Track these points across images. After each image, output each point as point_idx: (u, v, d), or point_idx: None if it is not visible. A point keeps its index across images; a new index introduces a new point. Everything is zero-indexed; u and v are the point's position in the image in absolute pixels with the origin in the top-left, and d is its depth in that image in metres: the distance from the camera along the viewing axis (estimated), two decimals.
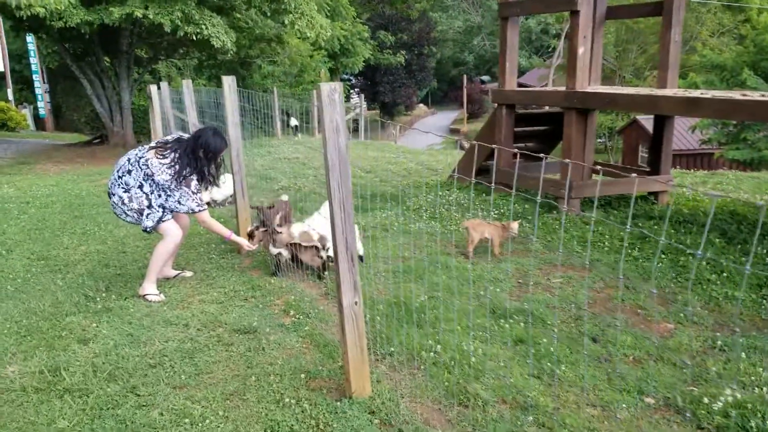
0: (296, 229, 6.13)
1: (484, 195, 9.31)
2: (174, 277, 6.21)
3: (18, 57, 32.44)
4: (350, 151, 15.72)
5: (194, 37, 14.86)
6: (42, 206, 10.64)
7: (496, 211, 8.49)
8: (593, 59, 9.33)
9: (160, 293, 5.76)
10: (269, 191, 10.84)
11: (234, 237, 5.95)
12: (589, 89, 7.82)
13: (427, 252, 7.01)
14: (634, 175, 4.09)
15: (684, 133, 24.91)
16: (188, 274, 6.31)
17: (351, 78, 52.41)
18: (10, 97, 30.61)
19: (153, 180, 5.58)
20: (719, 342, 4.68)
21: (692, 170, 14.43)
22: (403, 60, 46.78)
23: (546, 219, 7.93)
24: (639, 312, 5.36)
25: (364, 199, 9.95)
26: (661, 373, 4.26)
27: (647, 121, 27.25)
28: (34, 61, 30.77)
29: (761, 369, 4.20)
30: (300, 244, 6.07)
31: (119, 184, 5.65)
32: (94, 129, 28.32)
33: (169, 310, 5.44)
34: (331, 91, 3.60)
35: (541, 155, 4.76)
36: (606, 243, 6.95)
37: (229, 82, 6.55)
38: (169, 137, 5.84)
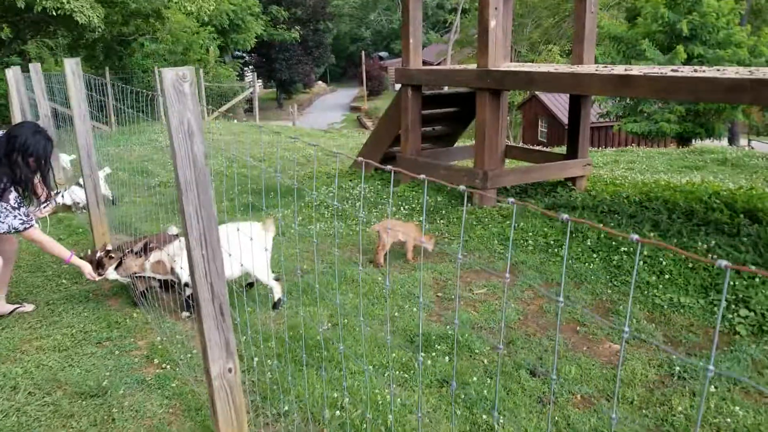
0: (153, 257, 4.97)
1: (390, 187, 8.38)
2: (9, 314, 4.90)
3: None
4: (243, 135, 14.36)
5: (54, 13, 12.99)
6: None
7: (406, 206, 7.58)
8: (504, 34, 8.57)
9: None
10: (144, 188, 9.46)
11: (75, 260, 4.73)
12: (504, 67, 7.00)
13: (330, 261, 6.01)
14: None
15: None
16: (28, 308, 5.01)
17: (244, 55, 50.16)
18: None
19: None
20: (677, 368, 3.97)
21: (599, 148, 14.17)
22: (298, 36, 45.11)
23: (460, 214, 7.10)
24: (578, 329, 4.60)
25: (257, 195, 8.80)
26: (618, 418, 3.49)
27: (546, 96, 27.25)
28: None
29: (737, 407, 3.50)
30: (145, 278, 4.94)
31: None
32: None
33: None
34: (177, 79, 2.52)
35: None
36: (530, 241, 6.19)
37: (72, 66, 5.24)
38: None
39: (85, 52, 21.01)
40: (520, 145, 14.40)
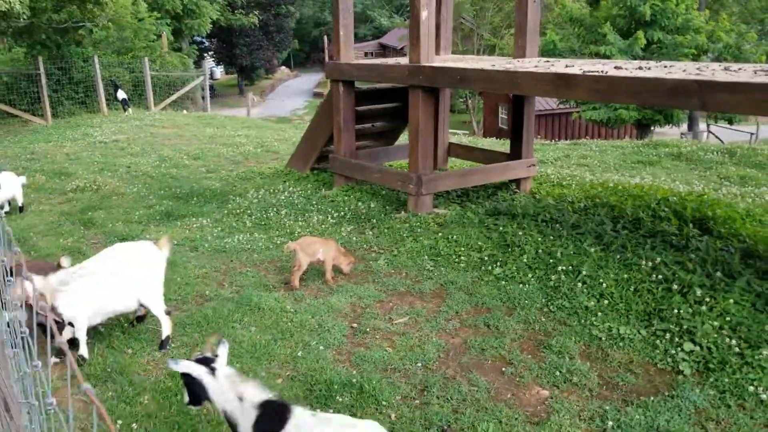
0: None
1: (323, 189, 7.73)
2: None
3: None
4: (187, 128, 13.55)
5: None
6: None
7: (336, 214, 6.93)
8: (443, 24, 7.94)
9: None
10: (59, 193, 8.66)
11: None
12: (437, 63, 6.37)
13: (239, 284, 5.36)
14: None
15: None
16: None
17: (204, 41, 48.78)
18: None
19: None
20: (609, 422, 3.43)
21: (552, 140, 13.69)
22: (257, 21, 43.92)
23: (393, 223, 6.49)
24: (504, 369, 4.04)
25: (178, 200, 8.09)
26: None
27: None
28: None
29: None
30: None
31: None
32: None
33: None
34: None
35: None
36: (462, 256, 5.61)
37: None
38: None
39: (30, 40, 19.81)
40: (467, 140, 13.93)
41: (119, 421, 3.49)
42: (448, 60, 7.05)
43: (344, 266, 5.38)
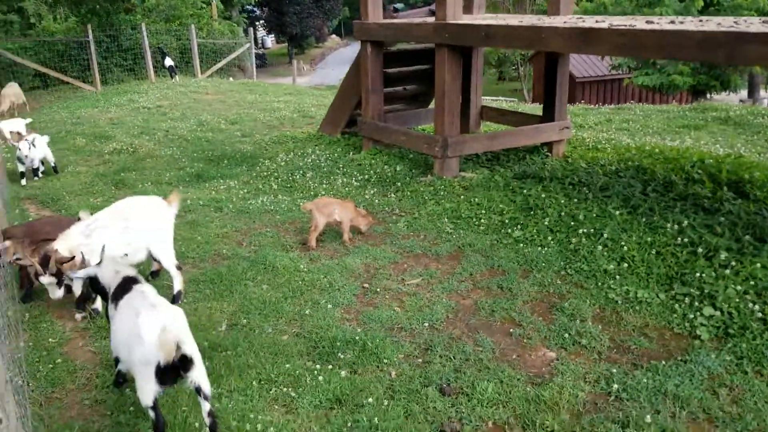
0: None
1: (352, 153, 7.67)
2: None
3: None
4: (230, 95, 13.66)
5: None
6: None
7: (360, 176, 6.88)
8: None
9: None
10: (97, 155, 8.85)
11: None
12: (463, 20, 6.18)
13: (257, 243, 5.37)
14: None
15: (593, 59, 23.73)
16: None
17: (254, 9, 48.97)
18: None
19: None
20: (615, 385, 3.30)
21: (597, 105, 13.24)
22: None
23: (417, 186, 6.39)
24: (512, 330, 3.94)
25: (210, 162, 8.17)
26: None
27: None
28: None
29: None
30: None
31: None
32: None
33: None
34: None
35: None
36: (483, 219, 5.49)
37: None
38: None
39: (86, 8, 20.13)
40: (506, 105, 13.59)
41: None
42: (475, 19, 6.83)
43: (362, 226, 5.34)
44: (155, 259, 4.44)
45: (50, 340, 4.03)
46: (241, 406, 3.26)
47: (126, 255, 4.04)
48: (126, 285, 3.25)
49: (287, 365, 3.60)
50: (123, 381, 3.48)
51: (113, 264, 3.46)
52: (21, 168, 7.52)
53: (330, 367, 3.57)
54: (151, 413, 2.93)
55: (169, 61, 18.76)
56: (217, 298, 4.44)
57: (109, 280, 3.38)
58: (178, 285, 4.38)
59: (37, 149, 7.50)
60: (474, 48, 7.55)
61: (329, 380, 3.44)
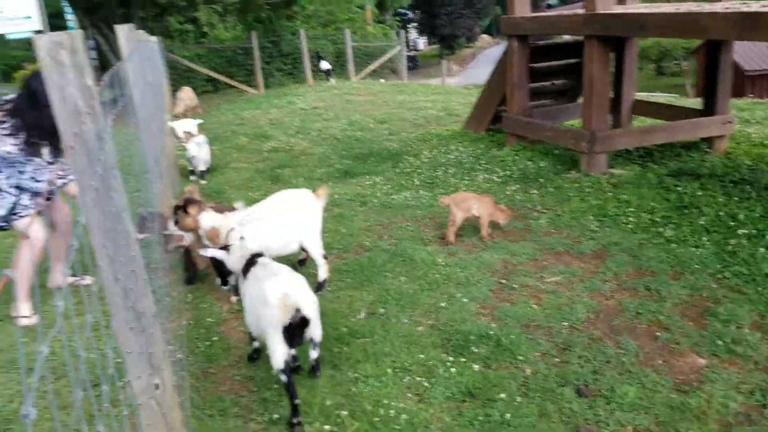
0: (208, 220, 4.65)
1: (495, 149, 7.60)
2: (70, 285, 4.91)
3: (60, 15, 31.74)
4: (380, 95, 14.08)
5: None
6: None
7: (502, 172, 6.81)
8: None
9: (34, 313, 4.52)
10: (257, 153, 9.46)
11: None
12: (615, 10, 5.92)
13: (397, 237, 5.49)
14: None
15: (764, 50, 21.66)
16: (87, 281, 5.00)
17: (407, 12, 49.81)
18: None
19: None
20: None
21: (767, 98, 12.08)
22: None
23: (561, 182, 6.21)
24: (659, 334, 3.73)
25: (357, 160, 8.44)
26: None
27: None
28: (70, 17, 30.05)
29: None
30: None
31: None
32: None
33: (30, 341, 4.20)
34: (53, 47, 2.10)
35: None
36: (631, 217, 5.23)
37: (125, 33, 5.09)
38: (12, 95, 4.45)
39: (252, 16, 21.58)
40: (662, 99, 12.74)
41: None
42: (629, 9, 6.51)
43: (501, 220, 5.28)
44: (304, 249, 4.68)
45: (208, 319, 4.37)
46: (375, 392, 3.36)
47: (242, 238, 4.26)
48: (251, 261, 3.59)
49: (421, 355, 3.65)
50: (256, 357, 3.75)
51: (240, 250, 3.77)
52: (190, 167, 8.20)
53: (463, 360, 3.58)
54: (283, 377, 3.14)
55: (325, 65, 19.58)
56: (357, 287, 4.59)
57: (234, 264, 3.75)
58: (323, 274, 4.59)
59: (203, 151, 8.14)
60: (626, 39, 7.19)
61: (462, 373, 3.45)
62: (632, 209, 5.32)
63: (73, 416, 3.35)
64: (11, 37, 19.52)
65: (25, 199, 4.41)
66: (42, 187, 4.38)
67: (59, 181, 4.46)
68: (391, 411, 3.18)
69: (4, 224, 4.41)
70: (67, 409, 3.42)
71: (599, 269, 4.57)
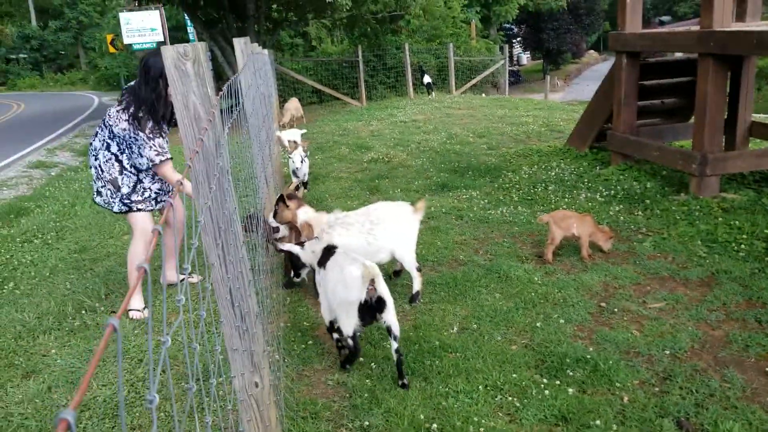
0: (305, 213, 4.84)
1: (598, 167, 7.41)
2: (179, 282, 5.19)
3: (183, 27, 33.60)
4: (480, 110, 14.08)
5: None
6: None
7: (606, 191, 6.62)
8: None
9: (145, 308, 4.82)
10: (357, 163, 9.66)
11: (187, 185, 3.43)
12: (732, 28, 5.65)
13: (493, 252, 5.45)
14: None
15: None
16: (195, 279, 5.29)
17: (512, 27, 49.39)
18: None
19: (114, 134, 4.54)
20: None
21: None
22: (566, 4, 42.93)
23: (668, 205, 5.97)
24: None
25: (455, 173, 8.46)
26: None
27: None
28: (191, 30, 31.75)
29: None
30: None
31: (91, 153, 4.70)
32: None
33: (139, 335, 4.47)
34: (179, 57, 2.25)
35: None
36: (743, 245, 4.95)
37: (241, 45, 5.36)
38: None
39: (359, 31, 22.12)
40: None
41: (360, 359, 3.86)
42: (748, 27, 6.19)
43: (603, 243, 5.14)
44: (399, 260, 4.74)
45: (305, 323, 4.50)
46: (466, 408, 3.35)
47: (317, 238, 4.46)
48: (328, 252, 3.86)
49: (514, 375, 3.61)
50: (353, 359, 3.81)
51: (312, 246, 4.16)
52: (294, 179, 8.47)
53: (557, 382, 3.51)
54: (350, 341, 3.59)
55: (427, 78, 19.74)
56: (450, 301, 4.60)
57: (308, 259, 4.18)
58: (417, 285, 4.63)
59: (306, 163, 8.39)
60: (744, 57, 6.84)
61: (556, 396, 3.39)
62: (744, 236, 5.04)
63: (186, 406, 3.55)
64: (137, 47, 20.88)
65: (138, 195, 4.69)
66: (144, 163, 4.55)
67: (156, 158, 4.48)
68: (482, 429, 3.16)
69: (124, 207, 4.68)
70: (170, 400, 3.62)
71: (706, 297, 4.36)
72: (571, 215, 5.17)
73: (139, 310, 4.79)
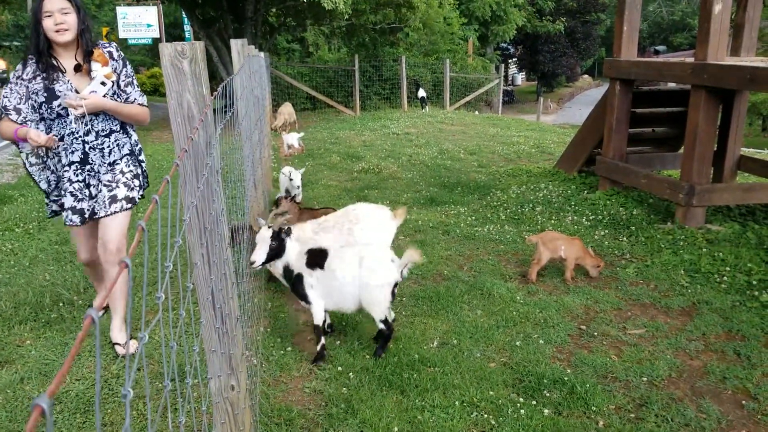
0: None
1: (586, 192, 7.45)
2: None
3: (179, 25, 33.59)
4: (473, 127, 14.09)
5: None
6: None
7: (592, 216, 6.66)
8: (747, 24, 7.08)
9: (126, 342, 4.74)
10: (347, 173, 9.66)
11: (23, 131, 3.67)
12: (727, 61, 5.72)
13: (477, 269, 5.46)
14: None
15: None
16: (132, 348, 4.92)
17: (509, 47, 49.76)
18: None
19: None
20: None
21: None
22: (563, 28, 43.31)
23: (653, 232, 6.01)
24: (745, 402, 3.53)
25: (444, 188, 8.47)
26: None
27: None
28: (187, 28, 31.73)
29: None
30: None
31: None
32: None
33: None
34: (176, 55, 2.24)
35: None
36: (726, 277, 4.99)
37: (238, 46, 5.35)
38: None
39: (356, 40, 22.17)
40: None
41: (339, 368, 3.83)
42: (741, 61, 6.27)
43: (591, 269, 5.15)
44: None
45: (284, 329, 4.47)
46: (441, 423, 3.34)
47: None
48: (320, 253, 3.98)
49: (491, 392, 3.60)
50: (331, 330, 4.30)
51: (295, 246, 4.11)
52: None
53: (534, 402, 3.50)
54: (383, 325, 3.91)
55: (422, 92, 19.81)
56: (432, 315, 4.59)
57: (294, 262, 4.08)
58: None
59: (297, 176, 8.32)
60: (737, 92, 6.93)
61: (531, 416, 3.38)
62: (728, 268, 5.08)
63: (160, 405, 3.50)
64: (132, 42, 20.78)
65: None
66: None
67: None
68: None
69: (130, 204, 4.42)
70: (144, 399, 3.58)
71: (686, 327, 4.38)
72: (559, 237, 5.19)
73: (121, 345, 4.45)
